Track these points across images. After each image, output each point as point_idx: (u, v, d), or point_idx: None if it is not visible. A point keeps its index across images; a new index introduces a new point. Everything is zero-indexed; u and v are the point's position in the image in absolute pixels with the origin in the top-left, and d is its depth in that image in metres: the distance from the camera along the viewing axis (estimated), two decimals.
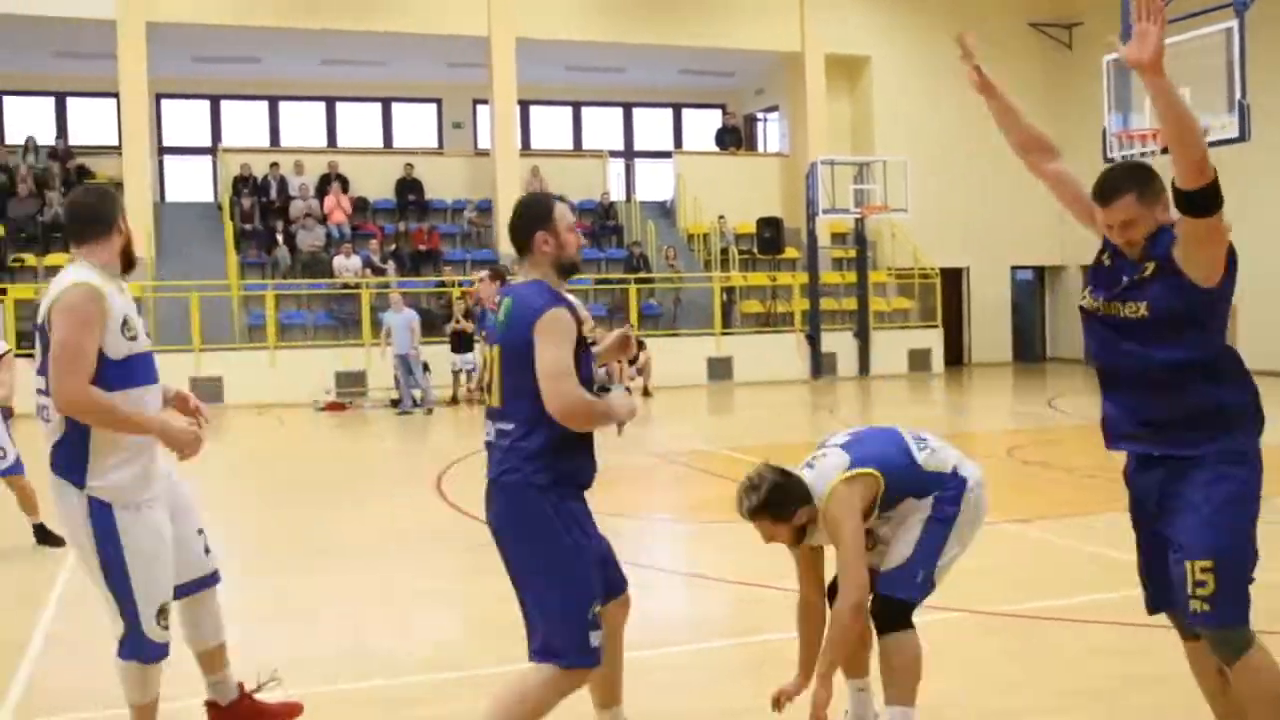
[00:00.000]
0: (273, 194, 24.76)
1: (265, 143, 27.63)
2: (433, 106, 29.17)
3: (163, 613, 4.22)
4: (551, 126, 30.23)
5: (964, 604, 6.11)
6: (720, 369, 23.93)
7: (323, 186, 24.92)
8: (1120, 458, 3.91)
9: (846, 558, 4.13)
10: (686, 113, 31.27)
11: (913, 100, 27.14)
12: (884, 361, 25.09)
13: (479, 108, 28.24)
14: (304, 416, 19.14)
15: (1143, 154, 16.63)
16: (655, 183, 29.80)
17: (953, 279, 27.73)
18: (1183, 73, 15.76)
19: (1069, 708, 4.88)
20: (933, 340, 26.09)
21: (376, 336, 20.57)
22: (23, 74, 25.79)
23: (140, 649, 4.18)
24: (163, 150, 27.22)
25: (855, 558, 4.13)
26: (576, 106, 30.32)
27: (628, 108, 30.69)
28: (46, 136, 25.44)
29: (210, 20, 23.01)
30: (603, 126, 30.53)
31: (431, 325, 21.00)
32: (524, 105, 27.37)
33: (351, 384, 21.25)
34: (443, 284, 22.72)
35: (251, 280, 22.94)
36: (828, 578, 4.44)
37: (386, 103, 28.98)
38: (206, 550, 4.62)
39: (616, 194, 28.18)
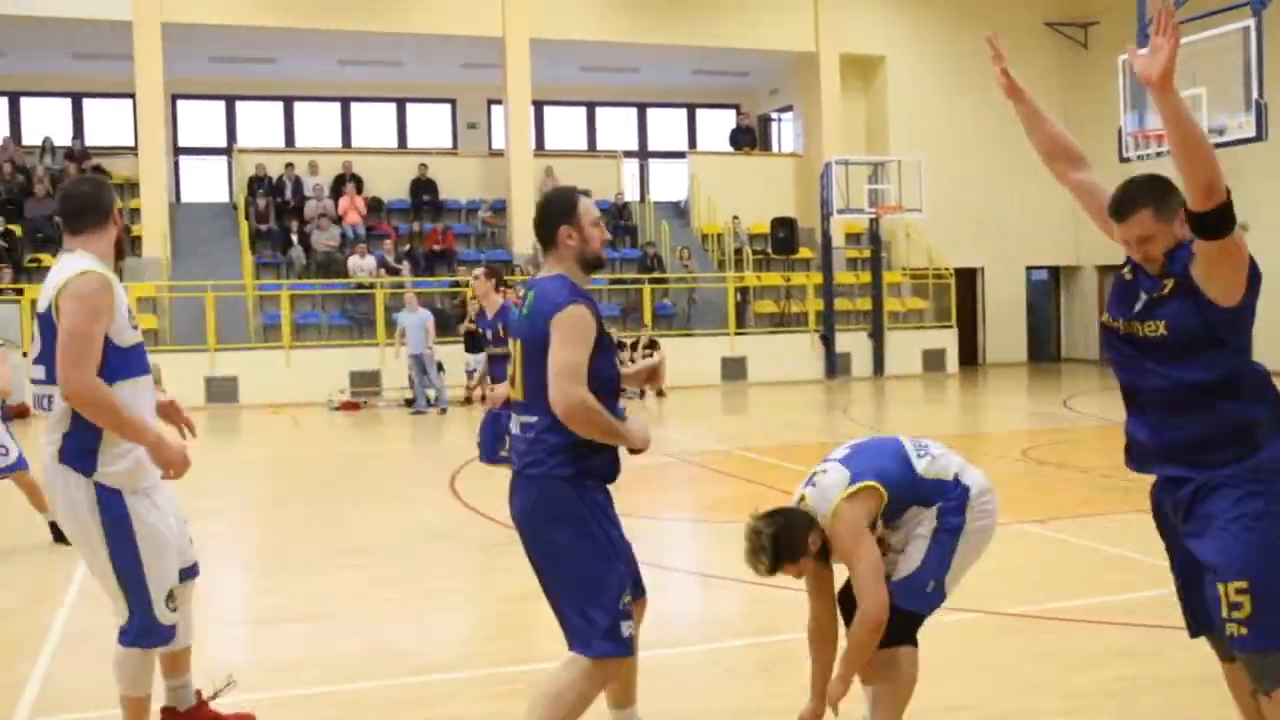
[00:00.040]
0: (288, 194, 24.84)
1: (280, 143, 27.72)
2: (447, 107, 29.22)
3: (171, 596, 4.24)
4: (566, 127, 30.27)
5: (979, 604, 6.10)
6: (734, 369, 23.92)
7: (337, 187, 25.00)
8: None
9: (864, 580, 4.05)
10: (701, 113, 31.27)
11: (927, 100, 27.09)
12: (898, 362, 25.04)
13: (493, 108, 28.28)
14: (318, 416, 19.19)
15: (1159, 154, 16.58)
16: (669, 183, 29.83)
17: (967, 279, 27.67)
18: (1200, 72, 15.72)
19: (1082, 709, 4.87)
20: (947, 340, 26.04)
21: (391, 336, 20.63)
22: (39, 75, 25.96)
23: (148, 633, 4.19)
24: (178, 150, 27.34)
25: (872, 579, 4.04)
26: (591, 107, 30.34)
27: (642, 108, 30.70)
28: (63, 137, 25.59)
29: (225, 21, 23.10)
30: (617, 127, 30.55)
31: (445, 325, 21.06)
32: (538, 105, 27.40)
33: (366, 384, 21.30)
34: (457, 284, 22.75)
35: (266, 280, 23.02)
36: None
37: (401, 103, 29.05)
38: (190, 541, 4.62)
39: (631, 194, 28.20)
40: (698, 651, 5.93)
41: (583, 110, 30.37)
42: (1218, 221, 3.27)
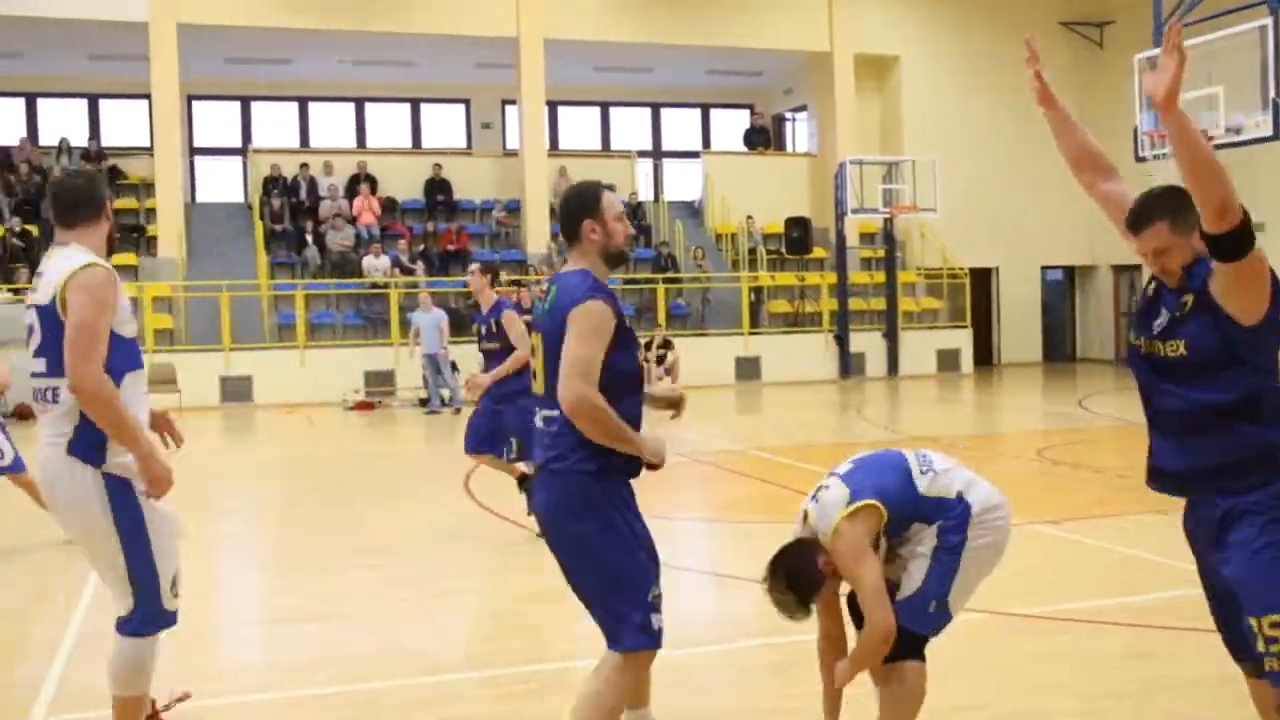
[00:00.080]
0: (302, 194, 24.91)
1: (295, 143, 27.80)
2: (461, 107, 29.27)
3: (175, 581, 4.25)
4: (580, 127, 30.29)
5: (992, 606, 6.08)
6: (748, 369, 23.91)
7: (352, 187, 25.07)
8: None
9: (869, 599, 4.02)
10: (714, 113, 31.26)
11: (942, 100, 27.03)
12: (913, 362, 25.00)
13: (507, 108, 28.32)
14: (333, 416, 19.23)
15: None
16: (683, 183, 29.83)
17: (982, 279, 27.60)
18: (1216, 71, 15.67)
19: (1096, 710, 4.85)
20: (962, 340, 25.98)
21: (405, 336, 20.67)
22: (56, 76, 26.09)
23: (152, 620, 4.20)
24: (194, 151, 27.44)
25: (877, 598, 4.01)
26: (605, 107, 30.36)
27: (656, 108, 30.70)
28: (80, 138, 25.69)
29: (240, 22, 23.19)
30: (631, 127, 30.57)
31: (460, 325, 21.02)
32: (552, 106, 27.43)
33: (380, 383, 21.35)
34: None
35: (281, 280, 23.10)
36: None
37: (415, 103, 29.10)
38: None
39: (645, 194, 28.21)
40: (712, 652, 5.93)
41: (597, 110, 30.39)
42: (1234, 244, 3.18)
